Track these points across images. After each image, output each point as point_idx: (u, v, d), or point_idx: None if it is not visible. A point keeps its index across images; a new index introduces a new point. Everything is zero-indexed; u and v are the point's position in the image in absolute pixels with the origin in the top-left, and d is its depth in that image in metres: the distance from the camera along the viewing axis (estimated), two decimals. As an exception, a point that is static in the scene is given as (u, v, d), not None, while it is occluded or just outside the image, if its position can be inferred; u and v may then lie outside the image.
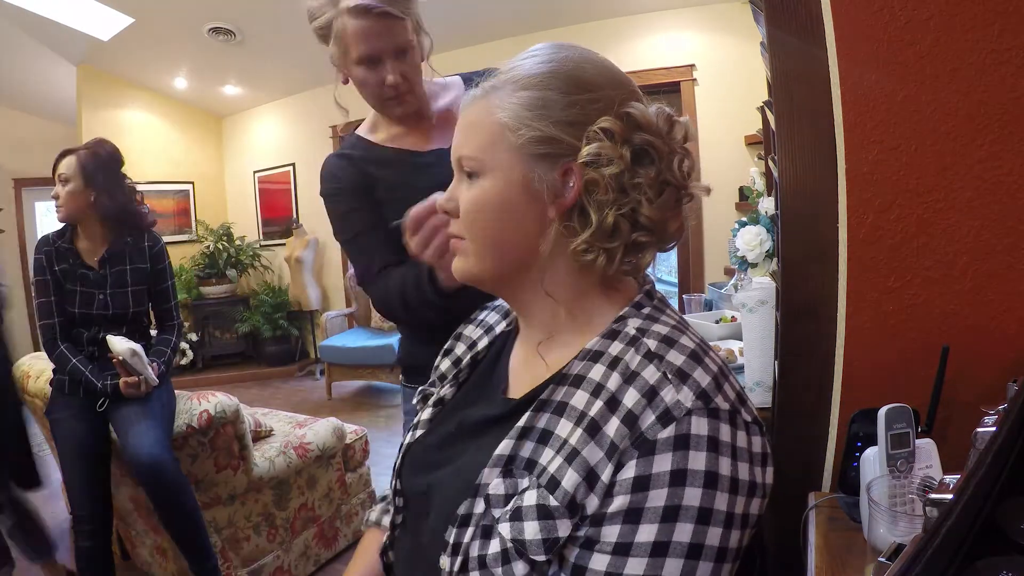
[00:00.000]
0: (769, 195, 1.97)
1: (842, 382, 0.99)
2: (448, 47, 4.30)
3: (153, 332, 1.98)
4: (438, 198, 0.66)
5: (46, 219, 5.55)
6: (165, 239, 2.06)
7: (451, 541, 0.55)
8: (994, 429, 0.70)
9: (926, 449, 0.84)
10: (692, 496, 0.48)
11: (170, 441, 1.71)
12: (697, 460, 0.48)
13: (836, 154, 0.95)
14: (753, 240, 1.56)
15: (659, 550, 0.47)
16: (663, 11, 3.71)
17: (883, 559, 0.70)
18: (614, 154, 0.55)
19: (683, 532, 0.47)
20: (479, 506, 0.55)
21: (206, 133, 5.68)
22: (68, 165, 1.79)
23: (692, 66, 3.66)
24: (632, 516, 0.48)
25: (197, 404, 1.79)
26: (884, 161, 0.91)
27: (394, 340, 4.15)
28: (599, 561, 0.49)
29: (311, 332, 5.37)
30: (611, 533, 0.49)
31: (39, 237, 1.86)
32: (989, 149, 0.86)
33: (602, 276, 0.59)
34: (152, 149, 5.16)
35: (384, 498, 0.83)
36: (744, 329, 1.40)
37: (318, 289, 5.24)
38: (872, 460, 0.82)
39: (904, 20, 0.87)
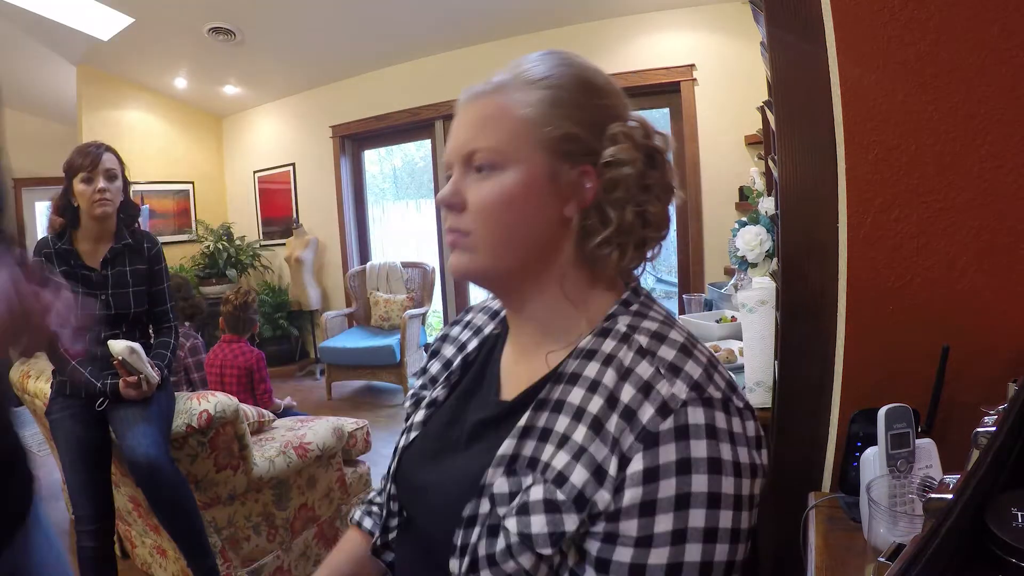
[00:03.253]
0: (769, 195, 1.97)
1: (842, 382, 0.99)
2: (448, 47, 4.30)
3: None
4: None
5: (46, 219, 5.55)
6: (165, 239, 2.07)
7: (459, 543, 0.56)
8: (994, 429, 0.70)
9: (926, 449, 0.84)
10: (700, 483, 0.50)
11: (168, 442, 1.71)
12: (699, 448, 0.50)
13: (836, 154, 0.95)
14: (753, 240, 1.56)
15: (678, 537, 0.49)
16: (663, 11, 3.71)
17: (883, 559, 0.70)
18: (632, 156, 0.59)
19: (697, 518, 0.49)
20: (484, 506, 0.56)
21: (206, 133, 5.68)
22: (114, 161, 1.79)
23: (692, 66, 3.66)
24: (647, 508, 0.50)
25: (197, 404, 1.79)
26: (884, 161, 0.91)
27: (394, 340, 4.15)
28: (623, 554, 0.50)
29: (311, 332, 5.37)
30: (630, 527, 0.50)
31: (38, 238, 1.86)
32: (989, 149, 0.86)
33: (612, 272, 0.62)
34: (152, 149, 5.16)
35: (371, 500, 0.84)
36: (744, 329, 1.40)
37: (318, 289, 5.24)
38: (872, 460, 0.82)
39: (904, 20, 0.87)
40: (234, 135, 5.77)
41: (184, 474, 1.73)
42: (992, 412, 0.73)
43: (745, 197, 2.94)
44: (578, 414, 0.55)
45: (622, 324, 0.59)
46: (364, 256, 5.26)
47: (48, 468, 3.17)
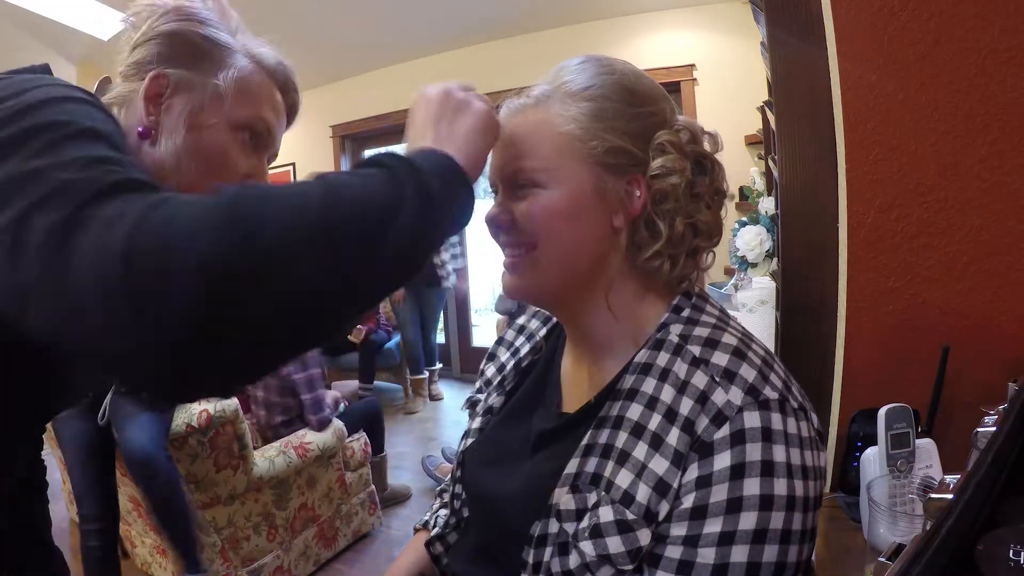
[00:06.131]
0: (769, 195, 1.98)
1: (842, 382, 0.99)
2: (448, 47, 4.30)
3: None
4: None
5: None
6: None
7: (530, 561, 0.57)
8: (994, 429, 0.70)
9: (926, 449, 0.84)
10: (751, 486, 0.50)
11: (165, 438, 1.71)
12: (753, 452, 0.50)
13: (836, 154, 0.95)
14: (753, 240, 1.56)
15: (725, 539, 0.50)
16: (663, 11, 3.70)
17: (883, 559, 0.70)
18: (679, 166, 0.58)
19: (748, 520, 0.49)
20: (553, 526, 0.57)
21: (206, 133, 5.68)
22: None
23: (692, 66, 3.65)
24: (698, 512, 0.51)
25: (196, 404, 1.79)
26: (884, 161, 0.91)
27: (394, 341, 4.15)
28: (672, 551, 0.51)
29: (311, 332, 5.37)
30: (680, 528, 0.51)
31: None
32: (989, 149, 0.86)
33: (664, 282, 0.61)
34: (152, 149, 5.16)
35: (443, 490, 0.86)
36: (744, 329, 1.40)
37: (318, 289, 5.23)
38: (872, 460, 0.82)
39: (904, 20, 0.87)
40: (234, 135, 5.76)
41: (184, 474, 1.73)
42: (992, 412, 0.73)
43: (745, 197, 2.93)
44: (637, 430, 0.55)
45: (674, 334, 0.59)
46: (364, 256, 5.25)
47: (48, 468, 3.16)
